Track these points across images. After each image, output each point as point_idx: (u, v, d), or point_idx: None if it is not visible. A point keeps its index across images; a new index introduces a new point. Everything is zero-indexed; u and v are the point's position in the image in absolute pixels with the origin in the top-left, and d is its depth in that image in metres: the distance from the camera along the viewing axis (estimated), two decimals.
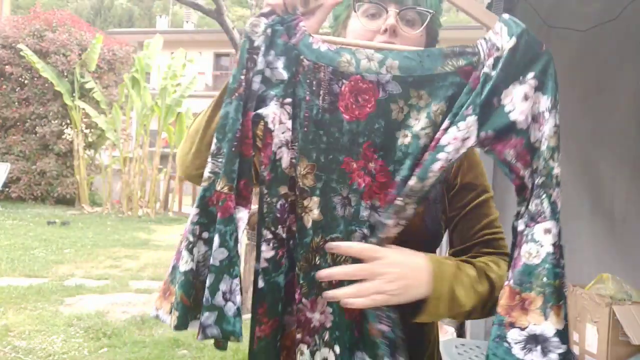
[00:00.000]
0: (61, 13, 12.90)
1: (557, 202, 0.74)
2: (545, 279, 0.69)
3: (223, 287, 0.72)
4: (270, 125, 0.74)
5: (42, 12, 12.77)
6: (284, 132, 0.74)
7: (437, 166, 0.71)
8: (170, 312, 0.76)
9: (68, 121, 11.97)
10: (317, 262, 0.74)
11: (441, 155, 0.71)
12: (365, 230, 0.74)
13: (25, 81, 11.85)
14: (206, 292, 0.72)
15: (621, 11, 2.20)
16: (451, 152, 0.71)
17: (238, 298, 0.73)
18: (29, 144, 11.77)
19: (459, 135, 0.71)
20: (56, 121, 11.94)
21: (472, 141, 0.72)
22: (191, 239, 0.75)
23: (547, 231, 0.72)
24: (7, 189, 11.24)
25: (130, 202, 11.52)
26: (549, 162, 0.74)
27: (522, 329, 0.69)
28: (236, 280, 0.74)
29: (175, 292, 0.75)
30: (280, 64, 0.75)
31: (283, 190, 0.75)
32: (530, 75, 0.73)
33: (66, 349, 3.41)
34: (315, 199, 0.74)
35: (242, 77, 0.74)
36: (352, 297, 0.71)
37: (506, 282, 0.72)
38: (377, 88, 0.74)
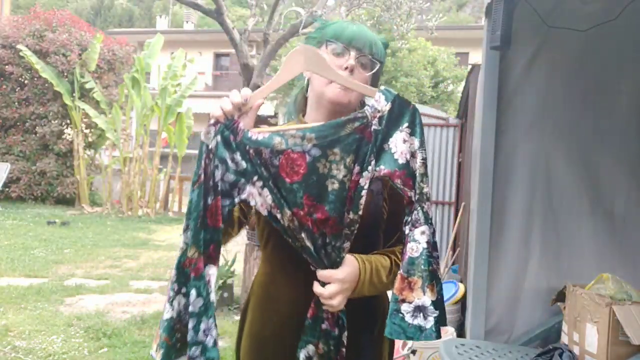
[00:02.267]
0: (61, 13, 12.87)
1: (429, 212, 1.06)
2: (422, 267, 1.02)
3: (203, 326, 1.00)
4: (252, 202, 1.04)
5: (42, 12, 12.75)
6: (266, 197, 1.03)
7: (362, 201, 1.03)
8: (156, 350, 1.03)
9: (68, 121, 11.96)
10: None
11: (363, 193, 1.03)
12: (318, 244, 1.05)
13: (25, 81, 11.84)
14: (191, 332, 0.99)
15: (621, 11, 2.20)
16: (367, 188, 1.03)
17: (214, 332, 1.01)
18: (29, 144, 11.76)
19: (369, 176, 1.03)
20: (56, 121, 11.93)
21: (377, 177, 1.04)
22: (171, 294, 1.02)
23: (422, 233, 1.04)
24: (7, 189, 11.23)
25: (130, 202, 11.51)
26: (421, 184, 1.04)
27: (410, 303, 1.02)
28: (212, 320, 1.01)
29: (160, 334, 1.02)
30: (238, 157, 1.03)
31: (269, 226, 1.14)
32: (405, 125, 1.04)
33: (66, 349, 3.41)
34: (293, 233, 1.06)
35: (201, 172, 1.02)
36: (328, 297, 1.05)
37: (399, 272, 1.04)
38: (304, 155, 1.02)
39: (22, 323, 3.85)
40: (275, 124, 1.40)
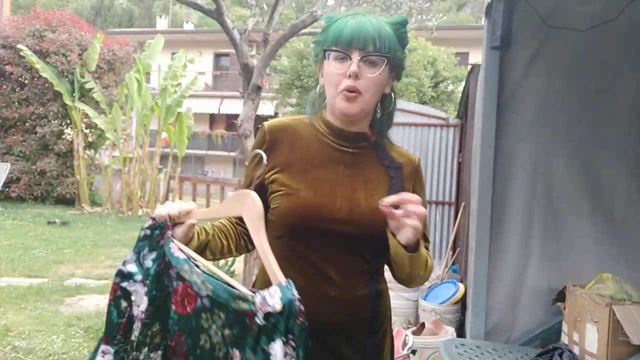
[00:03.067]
0: (61, 13, 12.86)
1: None
2: None
3: None
4: (133, 298, 1.04)
5: (42, 12, 12.75)
6: (139, 305, 1.03)
7: None
8: None
9: (68, 121, 11.95)
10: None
11: None
12: None
13: (25, 81, 11.83)
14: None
15: (621, 11, 2.20)
16: None
17: None
18: (29, 144, 11.76)
19: None
20: (56, 121, 11.92)
21: None
22: None
23: None
24: (7, 189, 11.22)
25: (130, 202, 11.51)
26: None
27: None
28: None
29: None
30: (151, 257, 1.05)
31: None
32: (291, 336, 0.89)
33: (66, 349, 3.41)
34: (159, 352, 1.05)
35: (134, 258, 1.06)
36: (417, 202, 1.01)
37: None
38: (198, 297, 0.98)
39: (22, 323, 3.85)
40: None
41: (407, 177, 1.20)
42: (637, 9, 2.21)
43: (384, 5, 9.11)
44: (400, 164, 1.20)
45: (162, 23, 28.62)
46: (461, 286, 3.88)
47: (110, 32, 20.08)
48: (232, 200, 1.07)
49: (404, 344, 2.85)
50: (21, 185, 11.50)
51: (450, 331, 3.24)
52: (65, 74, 11.72)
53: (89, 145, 12.45)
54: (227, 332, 0.95)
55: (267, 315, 0.90)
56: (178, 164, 12.31)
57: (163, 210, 1.07)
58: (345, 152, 1.16)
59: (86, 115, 11.66)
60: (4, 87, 11.75)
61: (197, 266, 1.01)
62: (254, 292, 0.93)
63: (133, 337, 1.02)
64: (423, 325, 3.30)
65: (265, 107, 16.70)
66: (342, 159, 1.16)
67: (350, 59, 1.09)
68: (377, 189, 1.15)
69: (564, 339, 2.21)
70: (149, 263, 1.05)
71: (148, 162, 11.95)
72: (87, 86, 11.65)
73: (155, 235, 1.05)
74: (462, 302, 3.73)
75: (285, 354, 0.88)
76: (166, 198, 12.42)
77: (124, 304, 1.05)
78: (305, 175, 1.14)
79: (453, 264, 4.89)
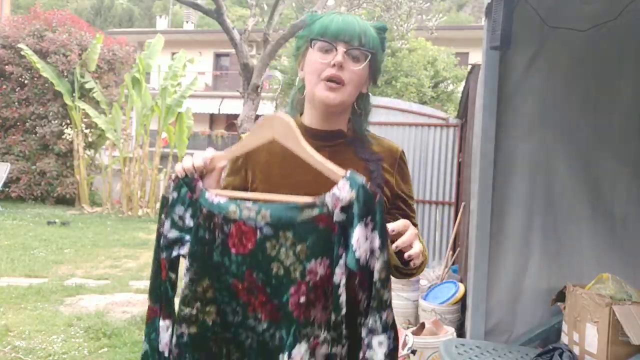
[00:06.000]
0: (61, 13, 12.87)
1: (388, 320, 0.94)
2: None
3: None
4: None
5: (42, 12, 12.75)
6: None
7: (342, 299, 0.92)
8: None
9: (68, 121, 11.95)
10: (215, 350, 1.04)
11: (340, 291, 0.92)
12: (251, 334, 1.00)
13: (25, 81, 11.84)
14: None
15: (621, 11, 2.20)
16: (344, 285, 0.92)
17: None
18: (29, 144, 11.76)
19: (342, 272, 0.93)
20: (56, 121, 11.92)
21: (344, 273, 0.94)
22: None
23: (380, 344, 0.93)
24: (7, 189, 11.23)
25: (130, 202, 11.51)
26: (380, 291, 0.93)
27: None
28: None
29: None
30: (187, 215, 1.03)
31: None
32: (369, 218, 0.93)
33: (66, 349, 3.40)
34: (214, 306, 1.02)
35: (160, 224, 1.04)
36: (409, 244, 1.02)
37: None
38: (255, 230, 0.97)
39: (22, 323, 3.85)
40: None
41: (388, 169, 1.20)
42: (637, 9, 2.21)
43: (384, 5, 9.10)
44: (380, 156, 1.20)
45: (162, 23, 28.60)
46: (461, 286, 3.87)
47: (110, 32, 20.08)
48: (258, 127, 1.04)
49: (404, 344, 2.85)
50: (21, 185, 11.50)
51: (450, 331, 3.24)
52: (65, 73, 11.72)
53: (89, 145, 12.46)
54: (299, 248, 0.95)
55: (343, 209, 0.93)
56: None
57: (187, 163, 1.04)
58: (322, 151, 1.09)
59: (86, 115, 11.66)
60: (4, 87, 11.75)
61: (245, 201, 1.00)
62: (319, 197, 0.95)
63: (184, 294, 1.02)
64: (423, 325, 3.30)
65: (266, 107, 16.71)
66: None
67: (336, 50, 1.11)
68: None
69: (564, 339, 2.21)
70: (189, 222, 1.03)
71: (148, 162, 11.94)
72: (87, 86, 11.65)
73: (185, 194, 1.03)
74: (462, 302, 3.73)
75: (366, 238, 0.92)
76: None
77: (172, 275, 1.05)
78: (284, 182, 1.13)
79: (453, 264, 4.89)
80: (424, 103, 13.26)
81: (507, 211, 2.45)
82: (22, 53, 11.15)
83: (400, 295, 3.99)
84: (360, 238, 0.91)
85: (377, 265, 0.93)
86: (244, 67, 9.20)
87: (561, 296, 2.29)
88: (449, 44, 16.22)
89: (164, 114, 11.68)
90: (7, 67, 11.61)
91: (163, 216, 1.04)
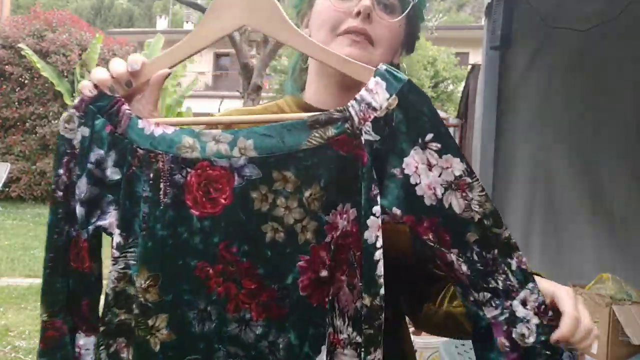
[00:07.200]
0: (61, 13, 12.88)
1: (522, 265, 0.63)
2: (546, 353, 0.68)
3: None
4: (115, 238, 0.65)
5: (42, 12, 12.76)
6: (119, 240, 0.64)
7: (380, 271, 0.58)
8: None
9: None
10: None
11: (377, 255, 0.58)
12: (233, 349, 0.60)
13: (25, 81, 11.84)
14: None
15: (621, 11, 2.20)
16: (381, 247, 0.59)
17: None
18: (29, 144, 11.76)
19: (378, 224, 0.59)
20: (56, 121, 11.90)
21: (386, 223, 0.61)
22: None
23: (524, 302, 0.64)
24: (7, 189, 11.23)
25: None
26: (494, 231, 0.61)
27: None
28: None
29: None
30: (109, 161, 0.64)
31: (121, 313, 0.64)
32: (430, 136, 0.59)
33: None
34: (163, 316, 0.61)
35: (58, 185, 0.66)
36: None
37: None
38: (232, 174, 0.60)
39: (22, 323, 3.85)
40: None
41: None
42: (637, 9, 2.21)
43: None
44: None
45: (162, 23, 28.61)
46: None
47: (110, 32, 20.07)
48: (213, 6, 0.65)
49: None
50: (21, 185, 11.50)
51: None
52: (65, 73, 11.72)
53: None
54: (307, 194, 0.59)
55: (378, 124, 0.59)
56: None
57: (100, 74, 0.64)
58: None
59: None
60: (4, 87, 11.75)
61: (210, 128, 0.66)
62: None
63: (107, 302, 0.66)
64: None
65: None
66: None
67: None
68: None
69: None
70: (112, 173, 0.64)
71: None
72: None
73: (101, 127, 0.63)
74: None
75: (430, 165, 0.59)
76: None
77: (89, 264, 0.69)
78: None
79: None
80: None
81: (507, 211, 2.45)
82: (22, 53, 11.15)
83: None
84: (420, 167, 0.59)
85: (474, 198, 0.59)
86: (244, 67, 9.21)
87: None
88: (449, 44, 16.23)
89: (163, 113, 11.69)
90: (7, 67, 11.62)
91: (61, 170, 0.65)
